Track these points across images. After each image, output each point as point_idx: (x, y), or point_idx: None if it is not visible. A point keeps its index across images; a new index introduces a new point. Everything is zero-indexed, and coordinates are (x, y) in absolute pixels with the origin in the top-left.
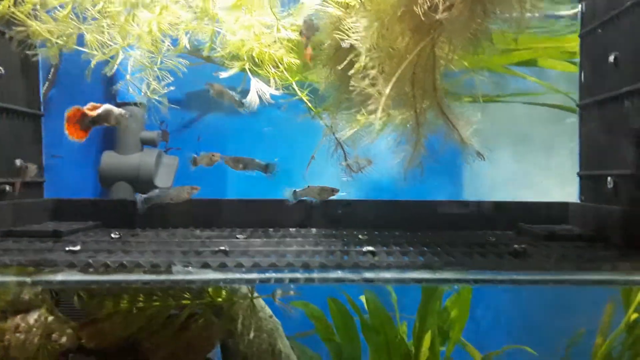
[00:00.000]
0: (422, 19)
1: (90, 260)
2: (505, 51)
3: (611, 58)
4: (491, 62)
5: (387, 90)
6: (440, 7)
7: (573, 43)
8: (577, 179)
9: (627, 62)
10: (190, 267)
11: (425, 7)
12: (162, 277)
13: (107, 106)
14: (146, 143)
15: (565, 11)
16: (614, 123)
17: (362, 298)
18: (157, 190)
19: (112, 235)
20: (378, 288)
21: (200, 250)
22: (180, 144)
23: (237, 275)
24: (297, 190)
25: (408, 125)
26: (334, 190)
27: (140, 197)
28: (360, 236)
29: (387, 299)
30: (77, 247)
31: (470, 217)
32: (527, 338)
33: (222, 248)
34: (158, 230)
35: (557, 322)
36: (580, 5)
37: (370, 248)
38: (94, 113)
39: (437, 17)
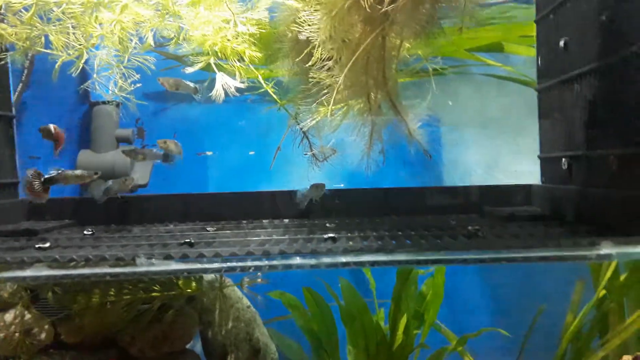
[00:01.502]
0: (369, 10)
1: (57, 256)
2: (470, 37)
3: (561, 43)
4: (454, 47)
5: (340, 80)
6: None
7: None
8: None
9: (576, 46)
10: (153, 259)
11: None
12: (126, 269)
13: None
14: (121, 141)
15: None
16: (567, 106)
17: None
18: (110, 182)
19: (85, 232)
20: (356, 275)
21: (168, 243)
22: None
23: (198, 265)
24: (305, 193)
25: (364, 115)
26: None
27: (98, 189)
28: (327, 224)
29: (367, 286)
30: (47, 244)
31: (437, 202)
32: (501, 320)
33: (188, 240)
34: (132, 227)
35: (530, 303)
36: None
37: (331, 235)
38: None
39: (383, 8)
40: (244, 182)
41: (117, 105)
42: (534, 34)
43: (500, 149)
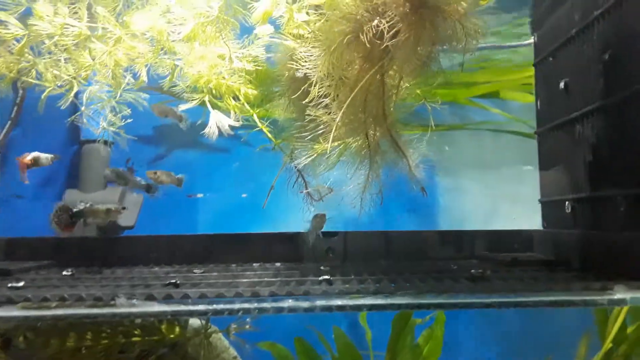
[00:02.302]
0: (368, 46)
1: (30, 295)
2: (468, 84)
3: (562, 85)
4: (454, 95)
5: (339, 117)
6: (386, 35)
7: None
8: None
9: (576, 87)
10: (134, 300)
11: (371, 34)
12: (105, 310)
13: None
14: (110, 181)
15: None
16: (568, 148)
17: None
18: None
19: (64, 273)
20: (351, 321)
21: (151, 284)
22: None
23: (183, 307)
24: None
25: (362, 153)
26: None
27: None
28: (322, 267)
29: (363, 335)
30: (21, 284)
31: (435, 246)
32: None
33: (173, 281)
34: (115, 268)
35: (533, 354)
36: (533, 36)
37: (326, 277)
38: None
39: (384, 44)
40: (236, 225)
41: (107, 143)
42: (530, 77)
43: (496, 195)
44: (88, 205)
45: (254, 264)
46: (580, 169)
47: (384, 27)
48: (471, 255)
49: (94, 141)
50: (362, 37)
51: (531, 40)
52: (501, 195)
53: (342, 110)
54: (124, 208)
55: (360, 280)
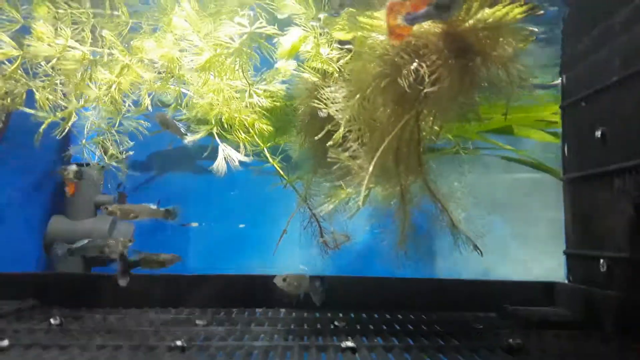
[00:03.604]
0: (407, 90)
1: None
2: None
3: (598, 133)
4: (465, 129)
5: (371, 167)
6: (427, 79)
7: (547, 112)
8: (564, 257)
9: (616, 138)
10: None
11: (411, 79)
12: None
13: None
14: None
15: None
16: (605, 201)
17: None
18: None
19: (52, 321)
20: None
21: (153, 346)
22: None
23: None
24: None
25: (392, 203)
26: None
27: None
28: (336, 323)
29: None
30: (5, 343)
31: (451, 296)
32: None
33: (179, 344)
34: (106, 312)
35: None
36: (561, 77)
37: (350, 344)
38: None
39: (425, 90)
40: (232, 257)
41: (102, 168)
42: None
43: (507, 236)
44: (144, 255)
45: (257, 310)
46: (619, 227)
47: (424, 72)
48: (489, 307)
49: (86, 165)
50: (400, 81)
51: (558, 81)
52: (512, 237)
53: (374, 158)
54: (130, 240)
55: (386, 348)
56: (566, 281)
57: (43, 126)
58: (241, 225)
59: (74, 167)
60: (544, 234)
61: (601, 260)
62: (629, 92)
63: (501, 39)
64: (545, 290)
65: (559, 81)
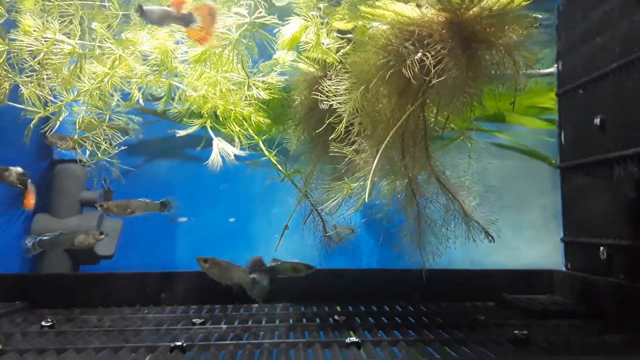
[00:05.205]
0: (413, 81)
1: None
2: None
3: (597, 121)
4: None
5: (376, 161)
6: (432, 70)
7: (541, 99)
8: (560, 245)
9: (616, 126)
10: None
11: (416, 69)
12: None
13: None
14: (87, 204)
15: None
16: (604, 189)
17: None
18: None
19: (44, 324)
20: None
21: (153, 346)
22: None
23: None
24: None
25: (399, 196)
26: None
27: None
28: (336, 317)
29: None
30: None
31: (450, 286)
32: None
33: (179, 344)
34: (99, 314)
35: None
36: (557, 64)
37: (354, 339)
38: None
39: (429, 79)
40: (222, 252)
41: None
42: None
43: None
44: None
45: (253, 306)
46: (619, 215)
47: (430, 62)
48: (487, 296)
49: (69, 161)
50: (405, 71)
51: (553, 68)
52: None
53: (380, 150)
54: (101, 233)
55: (390, 342)
56: (564, 269)
57: (33, 121)
58: (231, 219)
59: (18, 169)
60: (537, 221)
61: (601, 248)
62: (628, 79)
63: (506, 27)
64: (543, 278)
65: (553, 69)
